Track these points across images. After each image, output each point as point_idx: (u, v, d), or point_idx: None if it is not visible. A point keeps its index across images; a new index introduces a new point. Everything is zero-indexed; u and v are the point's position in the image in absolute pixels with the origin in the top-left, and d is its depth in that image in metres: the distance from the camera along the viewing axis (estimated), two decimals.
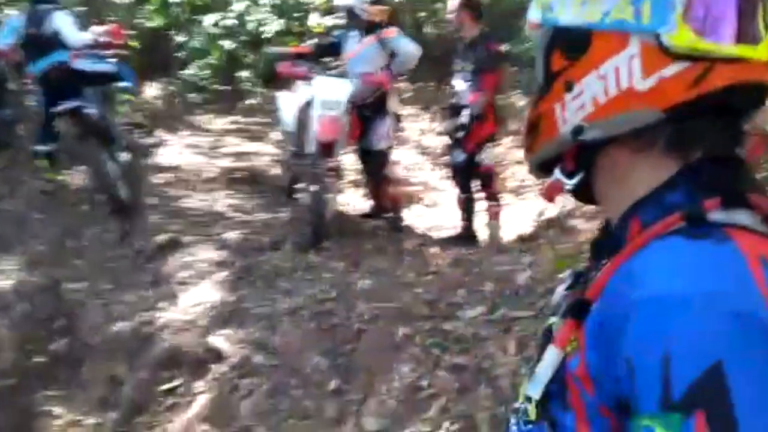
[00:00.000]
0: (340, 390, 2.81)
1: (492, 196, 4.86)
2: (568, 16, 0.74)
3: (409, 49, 4.85)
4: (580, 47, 0.72)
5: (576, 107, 0.73)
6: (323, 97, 4.63)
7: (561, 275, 0.93)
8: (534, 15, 0.79)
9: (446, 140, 5.32)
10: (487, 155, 4.73)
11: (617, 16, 0.69)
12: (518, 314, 2.73)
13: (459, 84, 4.73)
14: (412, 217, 5.68)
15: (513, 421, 0.83)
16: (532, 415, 0.78)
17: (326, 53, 5.28)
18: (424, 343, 2.78)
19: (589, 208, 3.75)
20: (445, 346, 2.73)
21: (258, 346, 3.27)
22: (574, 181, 0.77)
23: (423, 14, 9.86)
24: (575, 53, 0.73)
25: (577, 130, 0.73)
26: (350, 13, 4.92)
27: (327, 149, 4.58)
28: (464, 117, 4.65)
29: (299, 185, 4.87)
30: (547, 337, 0.77)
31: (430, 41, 9.79)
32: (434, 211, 6.03)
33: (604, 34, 0.70)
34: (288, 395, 2.87)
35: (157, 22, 9.50)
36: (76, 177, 6.02)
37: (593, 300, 0.67)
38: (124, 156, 5.41)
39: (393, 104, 5.08)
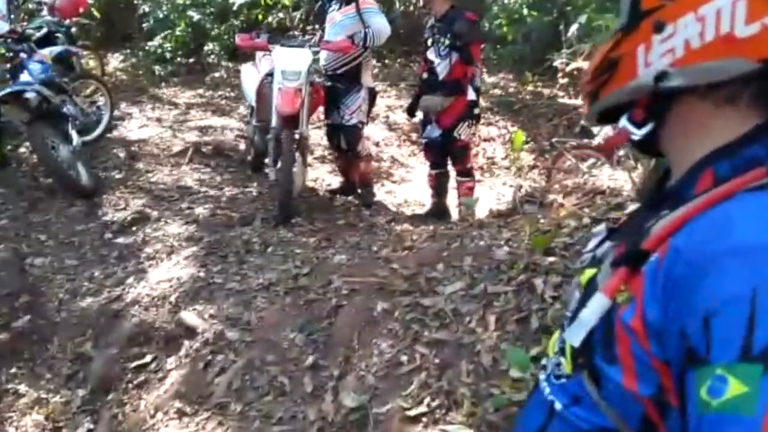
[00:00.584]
0: (317, 365, 2.77)
1: (467, 172, 4.84)
2: None
3: (381, 25, 4.78)
4: None
5: (663, 50, 0.68)
6: (283, 67, 4.54)
7: (596, 229, 0.89)
8: None
9: (417, 116, 5.27)
10: (465, 131, 4.70)
11: None
12: (498, 289, 2.71)
13: (434, 59, 4.65)
14: (381, 193, 5.64)
15: (542, 377, 0.80)
16: (567, 368, 0.75)
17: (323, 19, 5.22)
18: (403, 319, 2.75)
19: (567, 182, 3.76)
20: (424, 321, 2.70)
21: (231, 321, 3.20)
22: (644, 131, 0.73)
23: None
24: None
25: (661, 76, 0.68)
26: None
27: (290, 121, 4.50)
28: (471, 94, 4.61)
29: (266, 160, 4.77)
30: (589, 288, 0.74)
31: (400, 17, 9.71)
32: (404, 187, 6.00)
33: None
34: (263, 371, 2.82)
35: None
36: None
37: (653, 250, 0.64)
38: (77, 139, 5.18)
39: (367, 79, 5.00)
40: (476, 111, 4.73)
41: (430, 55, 4.69)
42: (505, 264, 2.88)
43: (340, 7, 4.84)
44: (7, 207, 4.83)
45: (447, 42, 4.55)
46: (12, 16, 5.76)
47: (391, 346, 2.66)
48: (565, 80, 6.71)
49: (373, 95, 5.13)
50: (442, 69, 4.61)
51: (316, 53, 4.74)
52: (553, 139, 5.47)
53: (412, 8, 10.08)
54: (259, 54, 5.35)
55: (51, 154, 4.86)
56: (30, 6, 7.58)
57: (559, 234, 2.95)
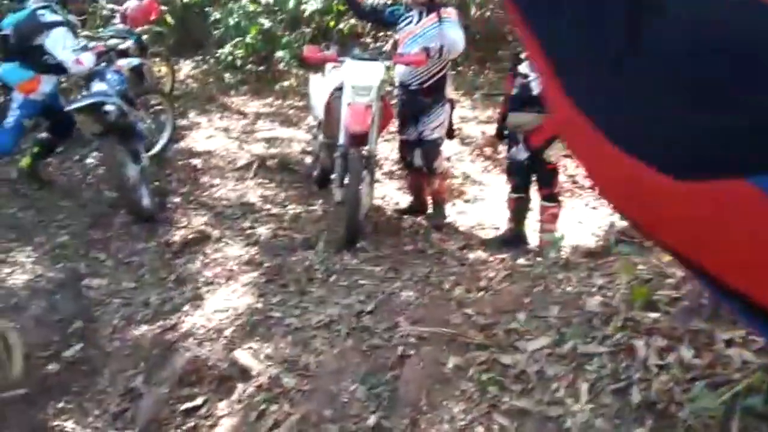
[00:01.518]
0: (380, 426, 2.46)
1: (552, 197, 4.46)
2: None
3: (458, 37, 4.45)
4: None
5: None
6: (353, 82, 4.26)
7: None
8: None
9: (495, 132, 4.91)
10: (555, 151, 4.31)
11: None
12: (590, 350, 2.34)
13: (529, 72, 4.25)
14: (453, 214, 5.29)
15: None
16: None
17: (379, 21, 4.90)
18: (478, 379, 2.41)
19: None
20: (503, 384, 2.35)
21: (288, 364, 2.93)
22: None
23: None
24: None
25: None
26: None
27: (359, 139, 4.21)
28: None
29: (332, 176, 4.50)
30: None
31: (474, 23, 9.33)
32: (476, 207, 5.63)
33: None
34: (321, 429, 2.53)
35: None
36: None
37: None
38: (146, 158, 5.03)
39: (449, 90, 4.69)
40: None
41: (524, 68, 4.32)
42: (599, 318, 2.50)
43: (419, 20, 4.53)
44: (70, 222, 4.75)
45: None
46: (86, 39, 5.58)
47: (464, 412, 2.32)
48: None
49: (452, 107, 4.81)
50: (537, 84, 4.16)
51: (388, 67, 4.45)
52: None
53: (488, 14, 9.69)
54: (329, 65, 5.10)
55: (120, 171, 4.70)
56: (104, 13, 7.61)
57: (663, 285, 2.55)
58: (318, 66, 5.39)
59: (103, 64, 5.04)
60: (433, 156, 4.71)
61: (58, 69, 5.02)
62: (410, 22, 4.59)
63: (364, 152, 4.28)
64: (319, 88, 5.03)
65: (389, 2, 7.86)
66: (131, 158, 4.83)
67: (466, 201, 5.75)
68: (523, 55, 4.32)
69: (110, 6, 7.33)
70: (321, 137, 5.05)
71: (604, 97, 0.88)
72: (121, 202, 4.86)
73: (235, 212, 4.96)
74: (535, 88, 4.20)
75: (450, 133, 4.79)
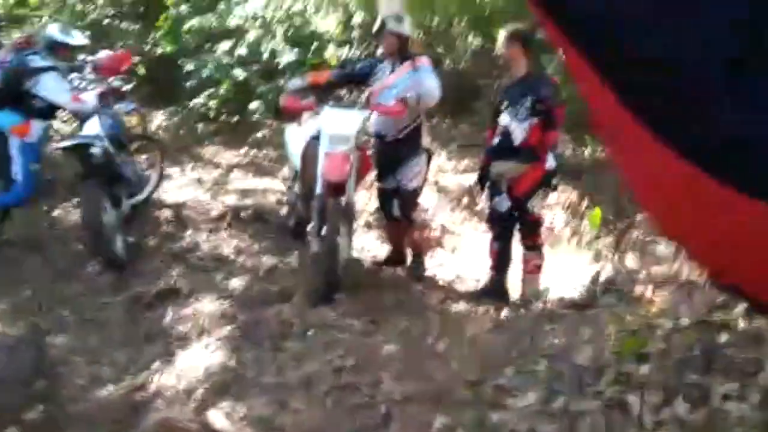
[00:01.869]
0: None
1: (536, 247, 4.41)
2: None
3: (434, 85, 4.44)
4: None
5: None
6: (331, 131, 4.20)
7: None
8: None
9: (471, 182, 4.88)
10: (538, 201, 4.28)
11: None
12: (582, 407, 2.24)
13: (510, 123, 4.23)
14: (432, 265, 5.21)
15: None
16: None
17: (352, 81, 4.85)
18: None
19: (658, 271, 3.29)
20: None
21: (264, 425, 2.78)
22: None
23: (440, 50, 9.51)
24: None
25: None
26: (391, 34, 4.50)
27: (336, 189, 4.14)
28: (551, 162, 4.22)
29: (309, 228, 4.40)
30: None
31: (447, 76, 9.44)
32: (455, 258, 5.55)
33: None
34: None
35: (167, 48, 9.18)
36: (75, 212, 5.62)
37: None
38: (127, 204, 4.94)
39: (426, 140, 4.65)
40: (554, 181, 4.34)
41: (504, 119, 4.28)
42: (589, 372, 2.41)
43: (392, 70, 4.52)
44: (33, 275, 4.55)
45: (528, 105, 4.15)
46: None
47: None
48: None
49: (429, 157, 4.77)
50: (518, 134, 4.18)
51: (367, 117, 4.41)
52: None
53: (461, 66, 9.83)
54: (305, 114, 5.05)
55: (98, 216, 4.58)
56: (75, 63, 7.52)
57: (652, 336, 2.48)
58: (294, 116, 5.34)
59: (100, 106, 4.97)
60: (410, 206, 4.65)
61: (47, 113, 5.01)
62: (384, 73, 4.57)
63: (341, 202, 4.20)
64: (296, 137, 4.97)
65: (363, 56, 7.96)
66: (111, 203, 4.72)
67: (446, 252, 5.68)
68: (502, 107, 4.31)
69: (82, 56, 7.26)
70: (297, 187, 4.97)
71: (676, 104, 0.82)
72: (94, 249, 4.70)
73: (208, 265, 4.83)
74: (517, 138, 4.19)
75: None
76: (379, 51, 4.79)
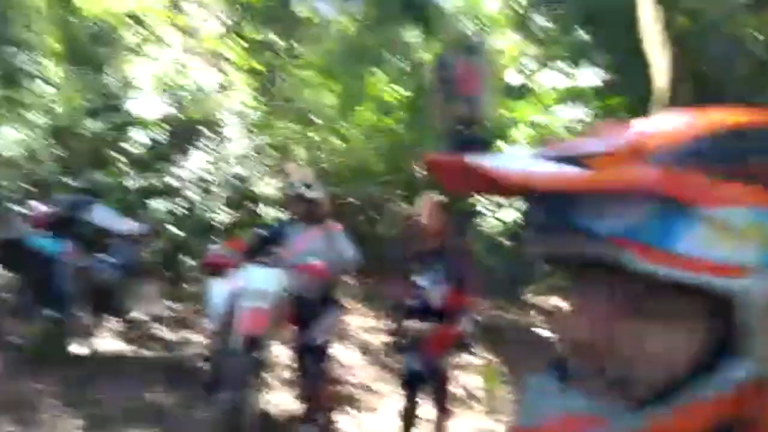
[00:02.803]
0: None
1: (444, 408, 4.52)
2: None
3: (350, 253, 4.69)
4: None
5: None
6: (252, 286, 4.40)
7: None
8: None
9: (390, 340, 5.03)
10: (448, 363, 4.36)
11: None
12: None
13: (428, 284, 4.38)
14: (345, 422, 5.26)
15: None
16: None
17: (267, 244, 5.08)
18: None
19: None
20: None
21: None
22: None
23: (372, 212, 10.07)
24: None
25: None
26: (301, 199, 4.77)
27: (252, 344, 4.27)
28: (467, 324, 4.29)
29: (223, 382, 4.47)
30: None
31: (376, 238, 9.89)
32: (371, 417, 5.61)
33: None
34: None
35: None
36: None
37: None
38: None
39: (337, 294, 4.86)
40: (467, 342, 4.42)
41: (421, 281, 4.42)
42: None
43: (304, 231, 4.77)
44: None
45: (442, 269, 4.35)
46: None
47: None
48: (541, 316, 6.60)
49: (341, 310, 4.94)
50: (434, 295, 4.34)
51: (289, 275, 4.56)
52: None
53: (394, 232, 10.32)
54: (231, 270, 5.25)
55: None
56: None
57: None
58: (218, 272, 5.55)
59: None
60: (323, 359, 4.75)
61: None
62: (295, 235, 4.78)
63: (256, 356, 4.31)
64: (218, 292, 5.16)
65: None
66: None
67: (359, 410, 5.74)
68: (418, 267, 4.47)
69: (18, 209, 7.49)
70: (214, 340, 5.08)
71: None
72: None
73: (116, 414, 4.78)
74: (435, 300, 4.32)
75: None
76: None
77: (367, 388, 6.05)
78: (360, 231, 7.96)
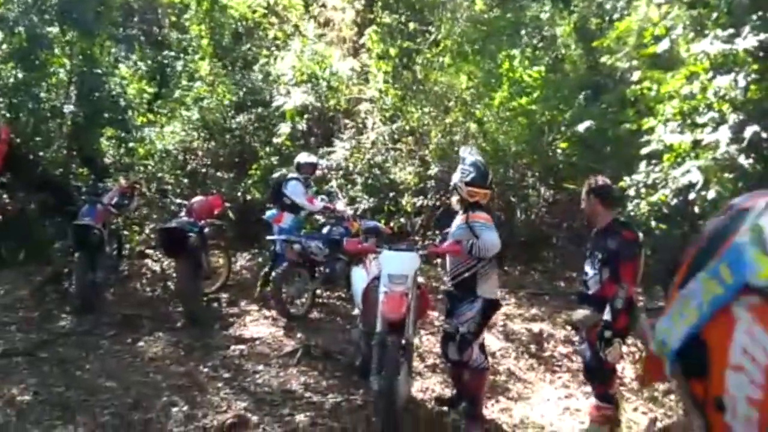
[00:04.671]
0: None
1: (605, 397, 4.35)
2: (676, 336, 0.71)
3: (489, 240, 4.53)
4: (701, 354, 0.67)
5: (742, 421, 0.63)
6: (389, 271, 4.48)
7: None
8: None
9: (537, 329, 4.92)
10: (612, 352, 4.14)
11: (707, 298, 0.67)
12: None
13: (588, 271, 4.43)
14: (495, 411, 5.16)
15: None
16: None
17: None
18: None
19: None
20: None
21: None
22: None
23: (514, 199, 9.85)
24: (701, 366, 0.67)
25: None
26: (455, 190, 4.81)
27: (396, 327, 4.31)
28: (607, 314, 4.13)
29: (373, 366, 4.52)
30: None
31: (519, 225, 9.68)
32: (520, 405, 5.47)
33: (710, 327, 0.66)
34: None
35: (255, 195, 9.88)
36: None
37: None
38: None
39: (486, 289, 4.71)
40: (607, 334, 4.13)
41: (587, 267, 4.48)
42: None
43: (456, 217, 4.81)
44: (113, 402, 4.82)
45: (600, 256, 4.31)
46: None
47: None
48: None
49: (493, 306, 4.82)
50: (593, 283, 4.34)
51: (424, 257, 4.64)
52: None
53: (533, 216, 10.05)
54: (370, 256, 5.35)
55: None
56: (171, 207, 8.28)
57: None
58: (359, 259, 5.67)
59: None
60: (462, 348, 4.66)
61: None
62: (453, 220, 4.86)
63: (401, 340, 4.35)
64: (360, 278, 5.28)
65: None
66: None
67: (510, 398, 5.61)
68: (588, 253, 4.50)
69: (178, 201, 8.03)
70: (360, 326, 5.18)
71: None
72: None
73: (276, 399, 4.98)
74: (591, 288, 4.34)
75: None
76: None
77: (517, 378, 5.90)
78: (498, 216, 7.82)
